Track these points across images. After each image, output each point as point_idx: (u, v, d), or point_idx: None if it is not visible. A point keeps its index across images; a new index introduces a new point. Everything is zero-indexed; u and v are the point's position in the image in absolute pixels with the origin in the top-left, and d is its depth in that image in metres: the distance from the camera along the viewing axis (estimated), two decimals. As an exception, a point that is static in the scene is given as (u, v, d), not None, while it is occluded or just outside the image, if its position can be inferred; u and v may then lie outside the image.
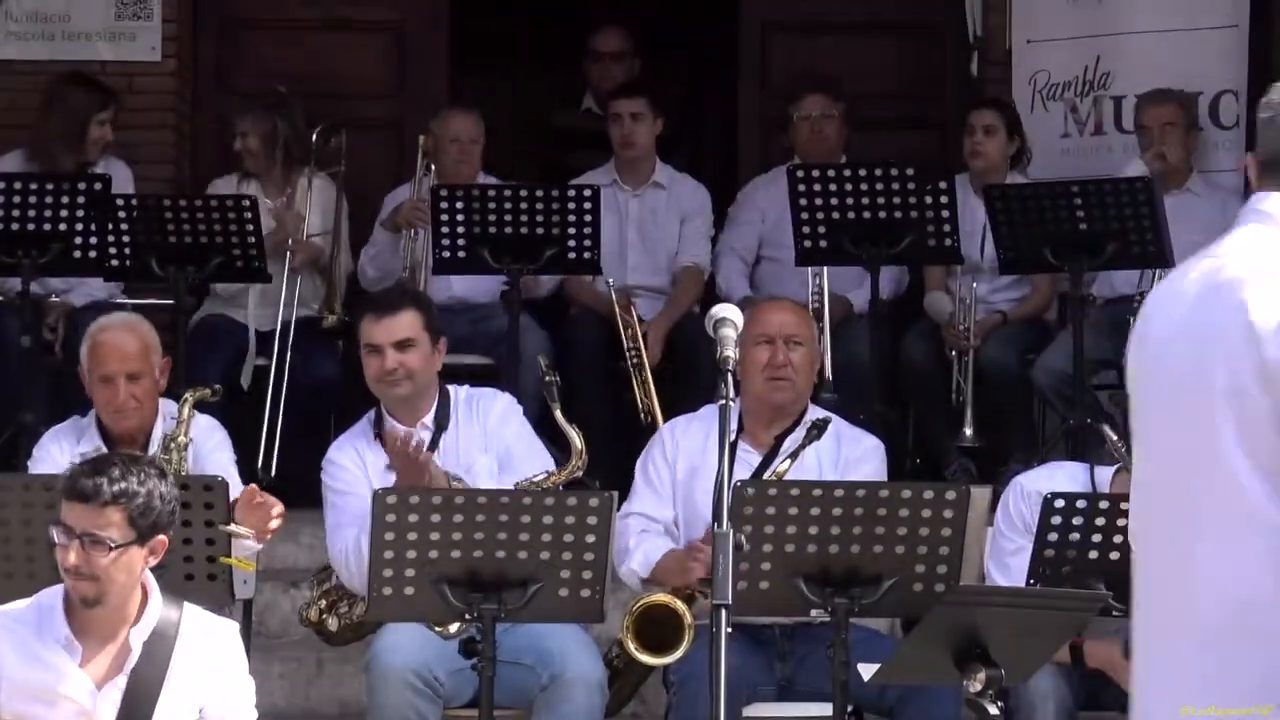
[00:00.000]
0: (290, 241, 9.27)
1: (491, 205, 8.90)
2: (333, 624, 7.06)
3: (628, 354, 8.80)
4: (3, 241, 8.83)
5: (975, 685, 4.55)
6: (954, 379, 8.86)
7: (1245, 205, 4.51)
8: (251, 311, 9.35)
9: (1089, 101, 10.04)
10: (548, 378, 6.80)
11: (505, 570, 6.29)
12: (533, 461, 6.99)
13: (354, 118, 10.16)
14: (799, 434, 6.83)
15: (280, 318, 9.22)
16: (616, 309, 8.87)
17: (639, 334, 8.81)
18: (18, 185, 8.88)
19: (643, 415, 8.71)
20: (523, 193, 9.03)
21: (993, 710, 4.72)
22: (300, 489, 7.67)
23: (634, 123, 9.61)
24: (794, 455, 6.72)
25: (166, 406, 7.31)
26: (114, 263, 8.96)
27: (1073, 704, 6.73)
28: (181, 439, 7.01)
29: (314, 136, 9.62)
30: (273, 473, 8.77)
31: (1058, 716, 6.65)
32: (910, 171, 8.83)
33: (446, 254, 8.90)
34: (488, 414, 7.20)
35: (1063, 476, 7.17)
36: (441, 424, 7.07)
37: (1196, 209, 9.20)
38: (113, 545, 5.30)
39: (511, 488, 6.73)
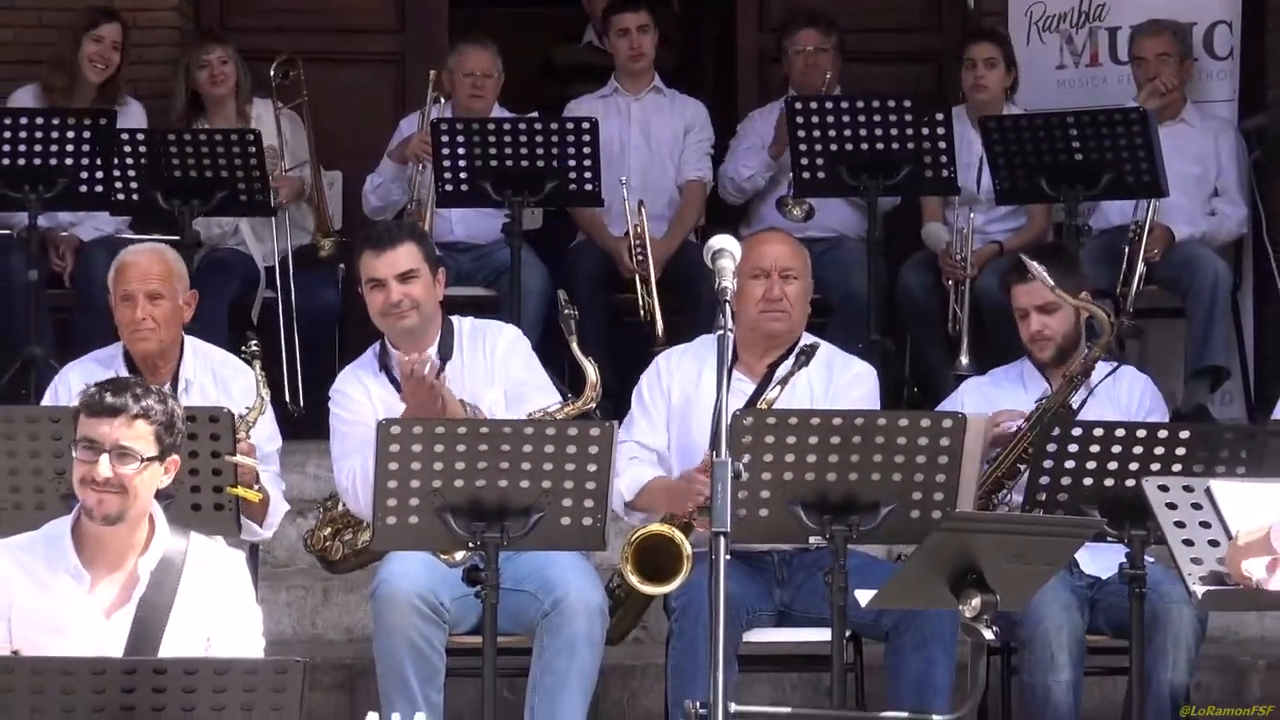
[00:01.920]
0: (271, 179, 9.23)
1: (492, 139, 8.93)
2: (336, 551, 7.10)
3: (634, 256, 8.86)
4: (10, 176, 8.83)
5: (971, 610, 4.58)
6: (950, 308, 8.88)
7: None
8: (253, 245, 9.36)
9: (1084, 33, 10.05)
10: (566, 311, 6.83)
11: (508, 499, 6.32)
12: (544, 395, 7.01)
13: (356, 52, 10.19)
14: (790, 361, 6.90)
15: (278, 252, 9.26)
16: (626, 211, 8.95)
17: (647, 241, 8.86)
18: (24, 120, 8.90)
19: (643, 314, 8.77)
20: (522, 125, 9.08)
21: (988, 634, 4.73)
22: (305, 418, 7.71)
23: (640, 34, 9.67)
24: (784, 382, 6.80)
25: (196, 344, 7.32)
26: (120, 197, 8.99)
27: (1082, 632, 6.82)
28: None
29: (272, 71, 9.61)
30: (301, 404, 8.84)
31: (1070, 647, 6.72)
32: (908, 103, 8.88)
33: (449, 187, 8.94)
34: (494, 347, 7.20)
35: (999, 374, 7.47)
36: (446, 355, 7.07)
37: (1190, 140, 9.24)
38: (142, 458, 5.35)
39: (524, 418, 6.76)
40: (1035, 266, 6.96)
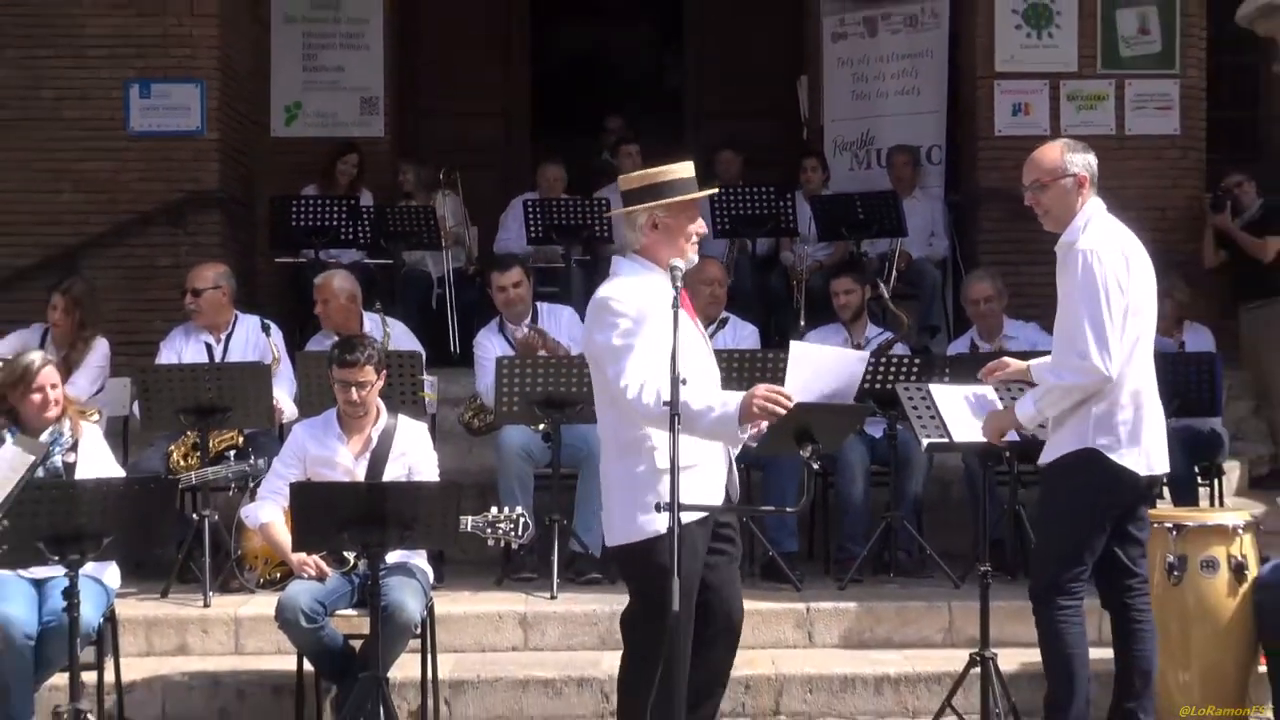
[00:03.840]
0: (444, 230, 9.12)
1: (553, 209, 8.87)
2: (476, 424, 7.10)
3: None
4: (305, 232, 8.78)
5: (806, 453, 4.51)
6: (795, 297, 8.84)
7: (1096, 203, 4.50)
8: (431, 267, 9.23)
9: (864, 152, 9.98)
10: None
11: (565, 398, 6.33)
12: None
13: (480, 165, 10.11)
14: (714, 325, 7.01)
15: (447, 269, 9.11)
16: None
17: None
18: (307, 204, 8.86)
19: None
20: (565, 202, 9.00)
21: (815, 466, 4.65)
22: (459, 356, 7.69)
23: (638, 156, 9.48)
24: (710, 336, 6.77)
25: (370, 316, 7.26)
26: (362, 241, 8.95)
27: (869, 463, 6.80)
28: (389, 345, 6.97)
29: (441, 175, 9.47)
30: (458, 350, 8.79)
31: (861, 473, 6.75)
32: (773, 189, 8.85)
33: (533, 234, 8.89)
34: (560, 320, 7.22)
35: (820, 331, 7.45)
36: (534, 323, 7.09)
37: (919, 206, 9.23)
38: (370, 384, 5.35)
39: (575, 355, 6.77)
40: (883, 286, 7.11)
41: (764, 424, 4.06)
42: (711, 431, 4.04)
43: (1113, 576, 4.59)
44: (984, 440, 4.86)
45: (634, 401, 4.03)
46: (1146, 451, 4.50)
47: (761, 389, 4.04)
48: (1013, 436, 4.82)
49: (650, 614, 4.02)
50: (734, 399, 4.02)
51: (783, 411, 3.99)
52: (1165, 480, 5.49)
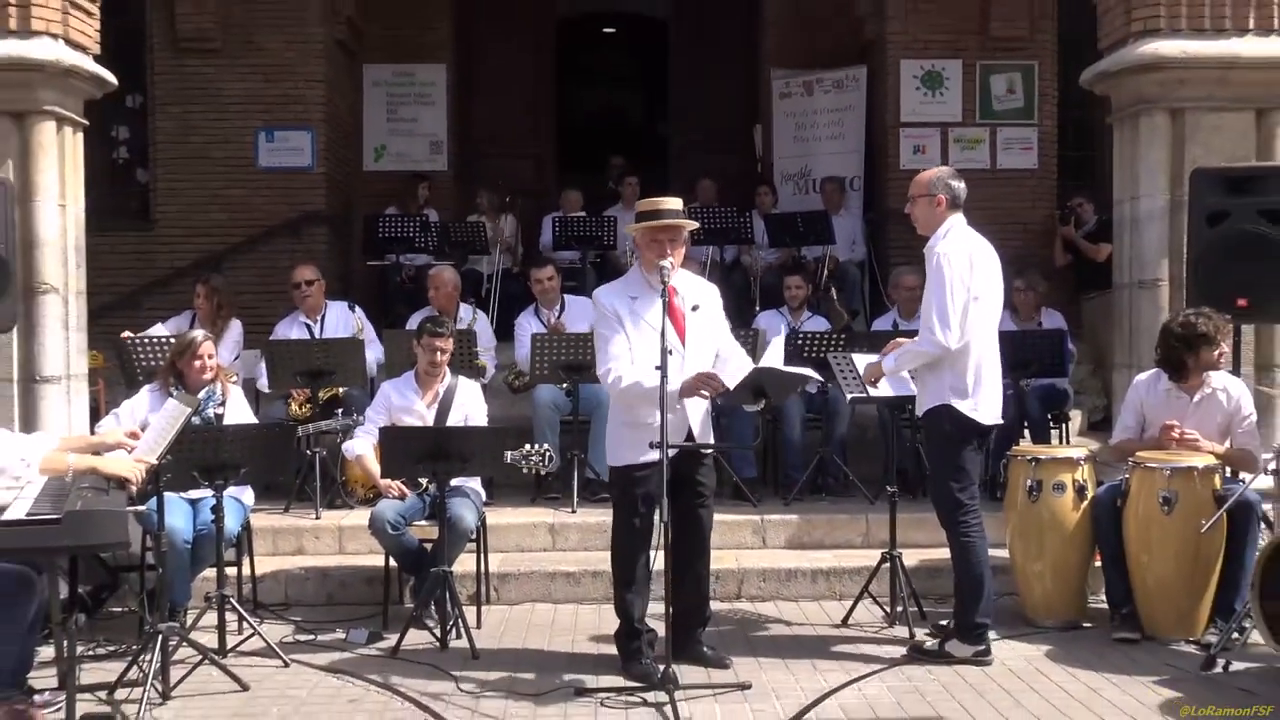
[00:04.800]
0: (501, 239, 9.03)
1: (573, 224, 8.78)
2: (516, 384, 7.03)
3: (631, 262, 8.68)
4: (388, 240, 8.67)
5: (759, 406, 4.47)
6: (752, 289, 8.75)
7: (956, 217, 4.42)
8: (485, 265, 9.13)
9: (803, 181, 9.89)
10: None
11: (582, 364, 6.23)
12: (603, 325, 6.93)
13: (521, 191, 10.02)
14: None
15: (497, 269, 8.99)
16: (630, 253, 8.74)
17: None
18: (390, 220, 8.76)
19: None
20: (581, 219, 8.88)
21: (768, 416, 4.61)
22: (503, 331, 7.63)
23: (636, 185, 9.39)
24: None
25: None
26: (430, 249, 8.83)
27: (805, 412, 6.70)
28: (469, 327, 6.89)
29: (507, 198, 9.39)
30: (494, 324, 8.73)
31: (799, 420, 6.64)
32: (735, 208, 8.75)
33: (561, 242, 8.79)
34: (584, 307, 7.10)
35: (766, 314, 7.35)
36: (561, 310, 7.00)
37: (844, 222, 9.13)
38: (449, 351, 5.35)
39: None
40: (834, 290, 7.01)
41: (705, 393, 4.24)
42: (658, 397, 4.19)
43: None
44: (892, 395, 4.82)
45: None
46: (986, 406, 4.46)
47: (702, 374, 4.21)
48: (909, 390, 4.78)
49: (618, 512, 4.34)
50: (681, 379, 4.23)
51: (708, 393, 4.20)
52: (1027, 425, 5.50)
